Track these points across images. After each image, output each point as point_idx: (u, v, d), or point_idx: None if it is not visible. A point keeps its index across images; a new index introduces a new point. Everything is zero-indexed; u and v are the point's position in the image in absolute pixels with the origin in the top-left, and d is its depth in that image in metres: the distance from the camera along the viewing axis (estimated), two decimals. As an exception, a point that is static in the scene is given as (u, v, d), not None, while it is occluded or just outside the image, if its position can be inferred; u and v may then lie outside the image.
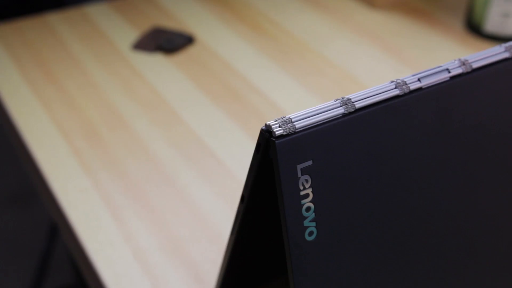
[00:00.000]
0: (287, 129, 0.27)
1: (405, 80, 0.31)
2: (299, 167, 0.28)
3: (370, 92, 0.30)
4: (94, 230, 0.51)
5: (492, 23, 0.77)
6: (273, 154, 0.27)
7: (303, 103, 0.67)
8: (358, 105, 0.29)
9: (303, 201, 0.29)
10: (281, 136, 0.27)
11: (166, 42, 0.75)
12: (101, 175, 0.56)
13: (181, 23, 0.82)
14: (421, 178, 0.32)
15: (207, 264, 0.47)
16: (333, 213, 0.30)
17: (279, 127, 0.27)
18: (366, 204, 0.30)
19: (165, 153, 0.59)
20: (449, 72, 0.32)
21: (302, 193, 0.28)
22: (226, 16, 0.84)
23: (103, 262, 0.48)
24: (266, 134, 0.28)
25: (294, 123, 0.28)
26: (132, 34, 0.79)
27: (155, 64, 0.73)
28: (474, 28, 0.80)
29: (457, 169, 0.33)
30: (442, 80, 0.31)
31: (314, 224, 0.29)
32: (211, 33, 0.80)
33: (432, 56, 0.75)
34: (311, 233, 0.29)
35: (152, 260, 0.48)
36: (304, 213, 0.29)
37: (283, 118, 0.28)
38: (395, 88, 0.30)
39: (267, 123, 0.27)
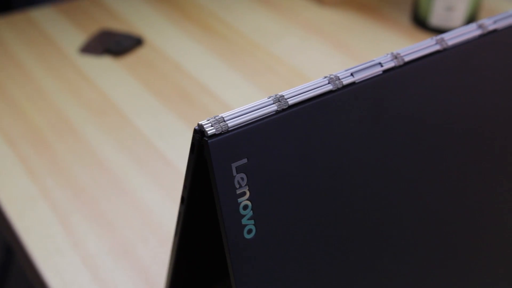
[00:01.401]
0: (220, 128, 0.27)
1: (338, 75, 0.31)
2: (234, 165, 0.28)
3: (303, 88, 0.30)
4: (42, 238, 0.50)
5: (437, 16, 0.79)
6: (207, 154, 0.27)
7: (254, 102, 0.67)
8: (291, 101, 0.29)
9: (239, 200, 0.29)
10: (214, 135, 0.27)
11: (114, 44, 0.75)
12: (48, 182, 0.55)
13: (129, 25, 0.81)
14: (357, 172, 0.32)
15: (157, 266, 0.47)
16: (271, 210, 0.30)
17: (211, 126, 0.27)
18: (304, 200, 0.31)
19: (114, 157, 0.58)
20: (382, 66, 0.32)
21: (238, 191, 0.28)
22: (175, 17, 0.84)
23: (51, 271, 0.47)
24: (198, 134, 0.28)
25: (227, 122, 0.28)
26: (80, 38, 0.78)
27: (103, 67, 0.72)
28: (420, 22, 0.81)
29: (393, 162, 0.33)
30: (375, 74, 0.32)
31: (252, 222, 0.29)
32: (161, 34, 0.79)
33: (380, 50, 0.76)
34: (249, 231, 0.29)
35: (102, 265, 0.47)
36: (242, 211, 0.29)
37: (215, 117, 0.28)
38: (328, 83, 0.30)
39: (199, 123, 0.27)
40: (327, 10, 0.86)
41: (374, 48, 0.77)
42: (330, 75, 0.31)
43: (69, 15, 0.84)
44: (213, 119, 0.27)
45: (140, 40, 0.76)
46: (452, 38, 0.34)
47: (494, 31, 0.36)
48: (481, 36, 0.35)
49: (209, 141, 0.27)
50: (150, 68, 0.72)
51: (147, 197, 0.54)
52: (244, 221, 0.29)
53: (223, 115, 0.28)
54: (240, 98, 0.67)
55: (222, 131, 0.27)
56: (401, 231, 0.35)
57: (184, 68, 0.72)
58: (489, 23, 0.36)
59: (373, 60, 0.32)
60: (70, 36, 0.78)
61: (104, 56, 0.74)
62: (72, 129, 0.62)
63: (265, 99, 0.29)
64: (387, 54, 0.33)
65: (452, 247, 0.38)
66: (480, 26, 0.36)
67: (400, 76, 0.32)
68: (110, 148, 0.59)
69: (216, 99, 0.67)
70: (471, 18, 0.79)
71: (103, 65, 0.73)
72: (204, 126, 0.27)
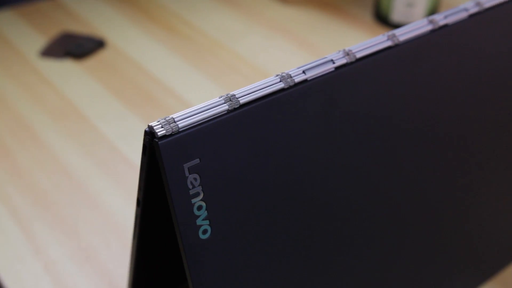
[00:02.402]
0: (170, 129, 0.27)
1: (289, 73, 0.31)
2: (186, 166, 0.28)
3: (255, 87, 0.30)
4: (2, 246, 0.49)
5: (398, 13, 0.80)
6: (158, 155, 0.27)
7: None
8: (242, 100, 0.29)
9: (193, 200, 0.28)
10: (164, 136, 0.27)
11: (76, 47, 0.74)
12: (8, 189, 0.54)
13: (91, 27, 0.80)
14: (311, 170, 0.32)
15: (120, 269, 0.47)
16: (227, 209, 0.30)
17: (162, 127, 0.27)
18: (260, 198, 0.31)
19: (77, 161, 0.58)
20: (334, 63, 0.32)
21: (191, 192, 0.28)
22: (138, 18, 0.83)
23: (12, 279, 0.46)
24: (149, 136, 0.27)
25: (177, 123, 0.27)
26: (40, 41, 0.77)
27: (65, 70, 0.71)
28: (382, 18, 0.82)
29: (346, 158, 0.33)
30: (327, 71, 0.32)
31: (207, 222, 0.29)
32: (123, 35, 0.79)
33: (343, 47, 0.77)
34: (205, 231, 0.29)
35: (64, 272, 0.47)
36: (196, 212, 0.29)
37: (166, 118, 0.27)
38: (280, 81, 0.30)
39: (149, 124, 0.27)
40: (290, 9, 0.86)
41: (337, 45, 0.77)
42: (282, 73, 0.31)
43: (29, 18, 0.82)
44: (164, 120, 0.27)
45: (102, 42, 0.75)
46: (403, 34, 0.35)
47: (445, 26, 0.36)
48: (432, 31, 0.36)
49: (159, 142, 0.27)
50: (112, 70, 0.72)
51: (110, 200, 0.53)
52: (199, 221, 0.29)
53: (174, 115, 0.28)
54: (205, 99, 0.67)
55: (173, 132, 0.27)
56: (357, 226, 0.35)
57: (148, 69, 0.72)
58: (440, 18, 0.36)
59: (325, 57, 0.32)
60: (30, 39, 0.77)
61: (65, 59, 0.73)
62: (33, 134, 0.61)
63: (216, 99, 0.29)
64: (339, 51, 0.33)
65: (409, 240, 0.39)
66: (431, 22, 0.36)
67: (352, 73, 0.33)
68: (72, 153, 0.59)
69: (180, 100, 0.66)
70: (432, 14, 0.80)
71: (65, 68, 0.72)
72: (154, 128, 0.27)
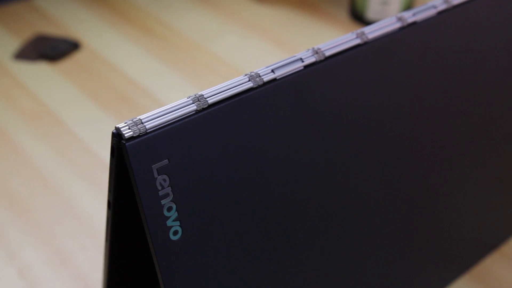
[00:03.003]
0: (137, 131, 0.27)
1: (258, 72, 0.31)
2: (155, 167, 0.28)
3: (224, 87, 0.30)
4: (-24, 251, 0.48)
5: (373, 10, 0.80)
6: (126, 157, 0.27)
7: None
8: (210, 100, 0.29)
9: (163, 201, 0.28)
10: (132, 138, 0.27)
11: (50, 49, 0.73)
12: (-18, 193, 0.54)
13: (65, 29, 0.79)
14: (282, 168, 0.32)
15: (96, 273, 0.46)
16: (198, 210, 0.30)
17: (129, 129, 0.27)
18: (230, 198, 0.31)
19: (51, 164, 0.57)
20: (303, 61, 0.32)
21: (161, 193, 0.28)
22: (113, 19, 0.82)
23: (-14, 284, 0.46)
24: (116, 138, 0.27)
25: (144, 124, 0.27)
26: (13, 43, 0.76)
27: (39, 73, 0.71)
28: (357, 16, 0.82)
29: (317, 156, 0.34)
30: (296, 70, 0.32)
31: (178, 223, 0.29)
32: (98, 37, 0.78)
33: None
34: (175, 233, 0.29)
35: (39, 276, 0.46)
36: (166, 213, 0.29)
37: (133, 120, 0.27)
38: (249, 81, 0.30)
39: (116, 126, 0.27)
40: (266, 8, 0.86)
41: (313, 44, 0.77)
42: (251, 72, 0.31)
43: (2, 21, 0.82)
44: (131, 122, 0.27)
45: (76, 44, 0.75)
46: (372, 32, 0.35)
47: (414, 23, 0.37)
48: (401, 29, 0.36)
49: (126, 144, 0.27)
50: (87, 72, 0.71)
51: (86, 203, 0.53)
52: (169, 223, 0.29)
53: (141, 117, 0.27)
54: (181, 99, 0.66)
55: (140, 133, 0.27)
56: (330, 223, 0.35)
57: (123, 71, 0.71)
58: (409, 15, 0.37)
59: (294, 56, 0.32)
60: (3, 42, 0.76)
61: (39, 62, 0.72)
62: (7, 138, 0.61)
63: (184, 99, 0.29)
64: (308, 49, 0.33)
65: (382, 236, 0.39)
66: (400, 19, 0.36)
67: (321, 71, 0.33)
68: (47, 156, 0.58)
69: (156, 101, 0.66)
70: (406, 11, 0.81)
71: (39, 71, 0.71)
72: (121, 129, 0.27)
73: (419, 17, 0.37)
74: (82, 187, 0.55)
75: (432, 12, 0.37)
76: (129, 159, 0.27)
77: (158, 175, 0.28)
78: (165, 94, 0.67)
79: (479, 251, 0.47)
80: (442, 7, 0.38)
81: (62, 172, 0.56)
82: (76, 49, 0.75)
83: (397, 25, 0.36)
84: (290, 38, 0.78)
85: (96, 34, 0.79)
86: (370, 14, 0.80)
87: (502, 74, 0.43)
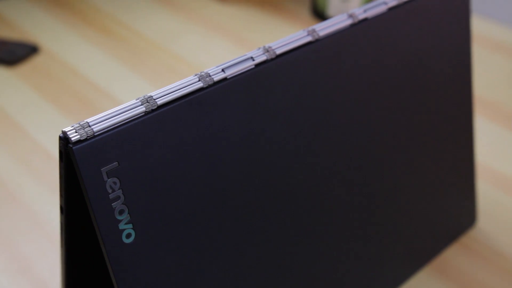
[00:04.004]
0: (84, 134, 0.27)
1: (208, 72, 0.31)
2: (104, 170, 0.27)
3: (173, 88, 0.30)
4: None
5: (334, 8, 0.81)
6: (74, 161, 0.27)
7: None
8: (160, 101, 0.29)
9: (114, 204, 0.28)
10: (79, 141, 0.27)
11: (7, 53, 0.72)
12: None
13: (23, 32, 0.78)
14: (236, 167, 0.32)
15: (57, 279, 0.46)
16: (150, 212, 0.29)
17: (76, 132, 0.27)
18: (184, 199, 0.30)
19: (10, 170, 0.56)
20: (253, 60, 0.32)
21: (111, 196, 0.28)
22: (72, 21, 0.81)
23: None
24: (63, 141, 0.27)
25: (92, 127, 0.27)
26: (-30, 49, 0.74)
27: (-3, 78, 0.69)
28: (319, 14, 0.83)
29: (272, 154, 0.34)
30: (247, 69, 0.32)
31: (130, 226, 0.29)
32: (57, 40, 0.77)
33: (280, 44, 0.77)
34: (128, 235, 0.29)
35: (-2, 285, 0.45)
36: (118, 216, 0.28)
37: (80, 123, 0.27)
38: (199, 81, 0.30)
39: (63, 129, 0.27)
40: (228, 7, 0.86)
41: (275, 43, 0.77)
42: (201, 72, 0.31)
43: (-41, 26, 0.80)
44: (78, 125, 0.27)
45: (35, 47, 0.74)
46: (323, 29, 0.35)
47: (365, 20, 0.37)
48: (352, 26, 0.36)
49: (74, 147, 0.26)
50: (47, 76, 0.70)
51: (46, 209, 0.52)
52: (121, 226, 0.29)
53: (88, 120, 0.27)
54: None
55: (88, 136, 0.27)
56: (286, 222, 0.36)
57: (84, 74, 0.71)
58: (360, 12, 0.37)
59: (245, 55, 0.32)
60: (-40, 47, 0.75)
61: (-3, 67, 0.71)
62: (-37, 145, 0.59)
63: (133, 101, 0.29)
64: (259, 47, 0.33)
65: (340, 232, 0.39)
66: (351, 16, 0.37)
67: (273, 69, 0.33)
68: (6, 162, 0.57)
69: (118, 104, 0.66)
70: (366, 8, 0.82)
71: (-4, 76, 0.70)
72: (68, 133, 0.26)
73: (370, 13, 0.37)
74: (42, 192, 0.54)
75: (383, 8, 0.38)
76: (77, 162, 0.26)
77: (108, 178, 0.28)
78: (127, 96, 0.67)
79: (439, 244, 0.47)
80: (392, 3, 0.39)
81: (21, 178, 0.55)
82: (35, 52, 0.73)
83: (348, 22, 0.36)
84: (252, 37, 0.78)
85: (55, 37, 0.78)
86: (331, 11, 0.81)
87: (451, 70, 0.44)
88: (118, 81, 0.69)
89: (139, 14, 0.84)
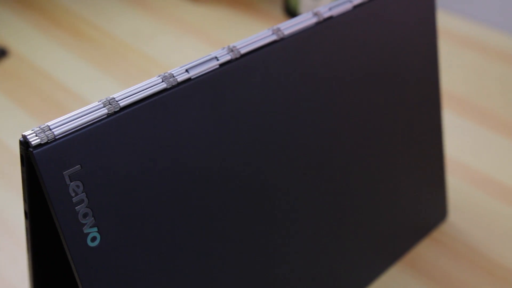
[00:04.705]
0: (45, 138, 0.26)
1: (172, 72, 0.31)
2: (66, 174, 0.27)
3: (136, 89, 0.29)
4: None
5: (306, 7, 0.81)
6: (35, 165, 0.26)
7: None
8: (122, 103, 0.29)
9: (77, 208, 0.28)
10: (39, 145, 0.26)
11: (-25, 57, 0.71)
12: None
13: (-8, 36, 0.77)
14: (201, 169, 0.32)
15: (26, 285, 0.45)
16: (116, 214, 0.29)
17: (36, 136, 0.26)
18: (150, 201, 0.30)
19: (-21, 176, 0.55)
20: (218, 60, 0.32)
21: (75, 199, 0.28)
22: (42, 24, 0.80)
23: None
24: (24, 146, 0.27)
25: (53, 130, 0.27)
26: None
27: (-35, 82, 0.68)
28: (291, 13, 0.83)
29: (238, 154, 0.34)
30: (212, 69, 0.32)
31: (95, 229, 0.29)
32: (27, 43, 0.76)
33: (253, 44, 0.77)
34: (94, 239, 0.29)
35: (-33, 293, 0.45)
36: (82, 220, 0.28)
37: (41, 127, 0.27)
38: (162, 82, 0.30)
39: (23, 133, 0.26)
40: (200, 7, 0.86)
41: (247, 42, 0.77)
42: (165, 73, 0.31)
43: None
44: (38, 129, 0.26)
45: (4, 51, 0.73)
46: (288, 28, 0.35)
47: (330, 18, 0.37)
48: (317, 24, 0.36)
49: (34, 151, 0.26)
50: (16, 80, 0.69)
51: (15, 215, 0.51)
52: (86, 229, 0.28)
53: (49, 123, 0.27)
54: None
55: (48, 140, 0.26)
56: (257, 220, 0.36)
57: (55, 77, 0.70)
58: (325, 10, 0.37)
59: (209, 55, 0.32)
60: None
61: (-35, 71, 0.70)
62: None
63: (95, 103, 0.28)
64: (224, 47, 0.33)
65: (311, 228, 0.39)
66: (316, 14, 0.37)
67: (237, 69, 0.33)
68: (-26, 168, 0.56)
69: (88, 106, 0.65)
70: (338, 6, 0.82)
71: (-35, 80, 0.69)
72: (28, 137, 0.26)
73: (335, 11, 0.37)
74: (12, 198, 0.53)
75: (348, 6, 0.38)
76: (38, 166, 0.26)
77: (71, 181, 0.27)
78: (98, 99, 0.66)
79: (410, 239, 0.48)
80: (357, 1, 0.39)
81: (-9, 183, 0.55)
82: (4, 56, 0.72)
83: (313, 20, 0.36)
84: (225, 37, 0.78)
85: (24, 40, 0.77)
86: (303, 9, 0.81)
87: (418, 66, 0.44)
88: (89, 83, 0.69)
89: (110, 15, 0.83)
